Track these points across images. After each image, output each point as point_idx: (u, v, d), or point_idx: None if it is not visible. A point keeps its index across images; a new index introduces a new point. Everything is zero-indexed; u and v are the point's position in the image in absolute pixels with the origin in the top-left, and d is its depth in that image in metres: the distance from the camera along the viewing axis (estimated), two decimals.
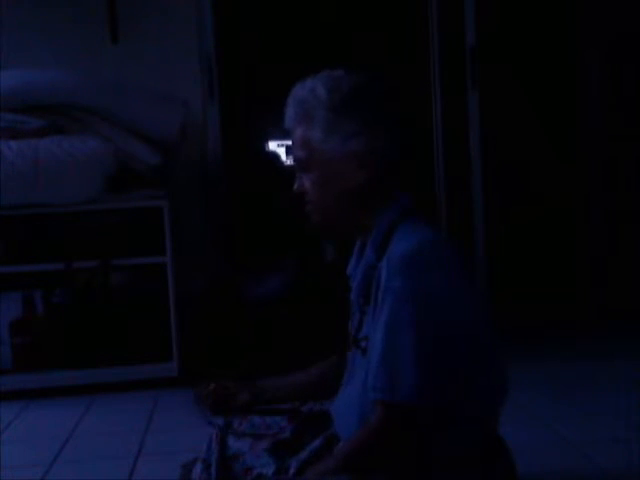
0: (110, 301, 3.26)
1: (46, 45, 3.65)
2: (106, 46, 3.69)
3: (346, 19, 3.98)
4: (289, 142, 1.61)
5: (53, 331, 3.24)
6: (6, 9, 3.63)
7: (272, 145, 4.34)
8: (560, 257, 4.12)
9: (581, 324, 3.80)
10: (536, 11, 4.04)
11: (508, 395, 1.54)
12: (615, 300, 3.92)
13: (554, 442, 2.38)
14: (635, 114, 4.00)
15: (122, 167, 3.19)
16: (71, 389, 3.14)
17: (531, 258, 4.08)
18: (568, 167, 4.11)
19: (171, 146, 3.42)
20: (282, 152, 4.11)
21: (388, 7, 3.98)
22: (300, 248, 3.74)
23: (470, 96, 3.93)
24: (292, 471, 1.53)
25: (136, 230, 3.22)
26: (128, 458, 2.42)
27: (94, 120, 3.25)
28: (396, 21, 3.99)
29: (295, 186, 1.59)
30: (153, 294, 3.27)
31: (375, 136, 1.50)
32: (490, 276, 3.95)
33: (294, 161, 1.59)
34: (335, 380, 1.67)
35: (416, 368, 1.39)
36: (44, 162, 3.04)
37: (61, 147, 3.08)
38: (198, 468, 1.65)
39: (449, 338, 1.41)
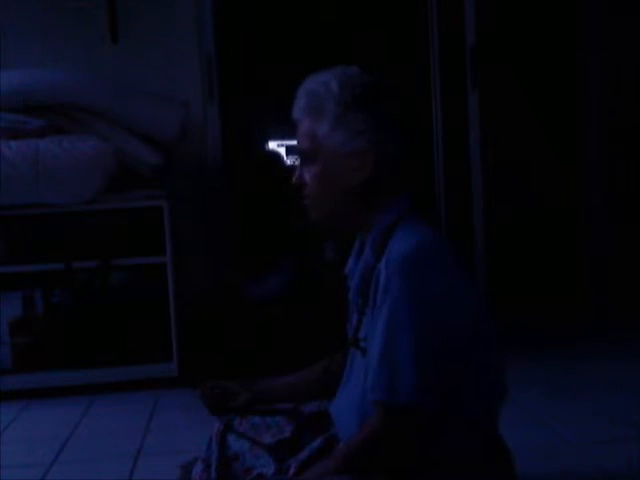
0: (110, 301, 3.26)
1: (46, 45, 3.65)
2: (106, 46, 3.69)
3: (346, 19, 3.98)
4: (289, 142, 1.61)
5: (53, 331, 3.24)
6: (6, 9, 3.63)
7: (272, 145, 4.35)
8: (560, 257, 4.12)
9: (581, 324, 3.79)
10: (536, 11, 4.04)
11: (508, 395, 1.54)
12: (615, 300, 3.92)
13: (554, 442, 2.38)
14: (635, 114, 4.00)
15: (122, 167, 3.19)
16: (71, 389, 3.14)
17: (531, 258, 4.08)
18: (568, 167, 4.11)
19: (171, 146, 3.42)
20: (282, 152, 4.12)
21: (388, 7, 3.99)
22: (300, 248, 3.73)
23: (470, 96, 3.93)
24: (292, 471, 1.53)
25: (136, 230, 3.22)
26: (128, 458, 2.42)
27: (94, 120, 3.25)
28: (396, 21, 3.99)
29: (294, 178, 1.58)
30: (153, 294, 3.27)
31: (380, 135, 1.50)
32: (490, 276, 3.95)
33: (297, 152, 1.58)
34: (335, 380, 1.67)
35: (416, 369, 1.38)
36: (44, 162, 3.05)
37: (61, 147, 3.08)
38: (198, 468, 1.65)
39: (448, 339, 1.41)
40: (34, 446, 2.63)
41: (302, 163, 1.57)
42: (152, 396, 3.07)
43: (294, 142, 1.64)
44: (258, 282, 3.62)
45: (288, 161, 4.02)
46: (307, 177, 1.55)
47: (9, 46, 3.59)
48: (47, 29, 3.68)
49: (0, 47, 3.56)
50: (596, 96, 4.04)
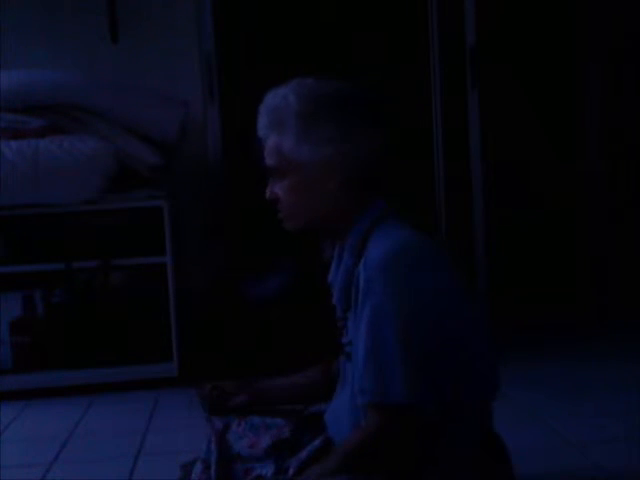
0: (110, 301, 3.26)
1: (46, 45, 3.65)
2: (106, 46, 3.69)
3: (346, 19, 3.97)
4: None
5: (53, 331, 3.24)
6: (6, 9, 3.63)
7: None
8: (560, 257, 4.12)
9: (581, 325, 3.79)
10: (536, 11, 4.04)
11: (504, 394, 1.54)
12: (615, 300, 3.92)
13: (554, 442, 2.38)
14: (635, 114, 4.00)
15: (122, 167, 3.19)
16: (71, 389, 3.14)
17: (531, 258, 4.08)
18: (568, 167, 4.11)
19: (171, 146, 3.42)
20: None
21: (388, 7, 3.98)
22: (299, 248, 3.73)
23: (470, 96, 3.93)
24: (292, 471, 1.53)
25: (136, 230, 3.22)
26: (128, 458, 2.42)
27: (94, 120, 3.25)
28: (396, 21, 3.98)
29: (267, 194, 1.58)
30: (153, 294, 3.26)
31: (347, 142, 1.49)
32: (490, 276, 3.95)
33: (266, 169, 1.58)
34: (334, 384, 1.67)
35: (403, 368, 1.38)
36: (44, 162, 3.05)
37: (61, 147, 3.08)
38: (198, 468, 1.66)
39: (437, 337, 1.41)
40: (34, 446, 2.63)
41: (272, 179, 1.57)
42: (152, 396, 3.07)
43: None
44: (258, 282, 3.61)
45: None
46: (279, 192, 1.56)
47: (9, 46, 3.59)
48: (47, 29, 3.68)
49: (0, 47, 3.57)
50: (596, 96, 4.04)
